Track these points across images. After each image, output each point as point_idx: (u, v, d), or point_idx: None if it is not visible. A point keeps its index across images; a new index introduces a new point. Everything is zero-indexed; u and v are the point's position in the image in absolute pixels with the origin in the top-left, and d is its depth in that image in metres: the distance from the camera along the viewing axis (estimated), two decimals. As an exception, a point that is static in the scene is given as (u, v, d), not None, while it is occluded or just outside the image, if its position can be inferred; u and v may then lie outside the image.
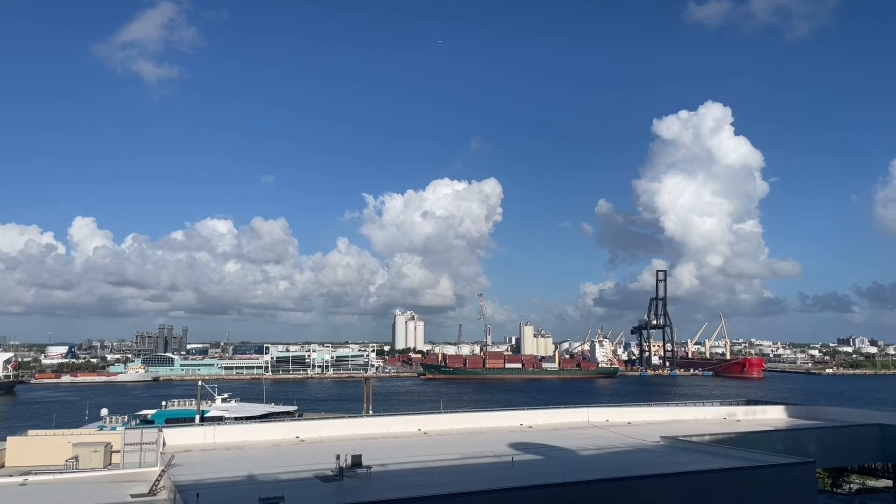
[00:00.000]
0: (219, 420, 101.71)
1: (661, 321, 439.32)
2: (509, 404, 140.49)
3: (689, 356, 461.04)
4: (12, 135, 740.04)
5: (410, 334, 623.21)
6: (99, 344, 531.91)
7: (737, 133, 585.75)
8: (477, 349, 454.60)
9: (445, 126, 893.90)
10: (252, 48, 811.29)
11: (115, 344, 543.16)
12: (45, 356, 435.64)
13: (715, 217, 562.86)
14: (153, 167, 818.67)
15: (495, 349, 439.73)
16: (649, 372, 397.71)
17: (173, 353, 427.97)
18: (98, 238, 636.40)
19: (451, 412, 72.48)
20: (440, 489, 32.62)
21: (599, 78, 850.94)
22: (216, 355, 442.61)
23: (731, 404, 75.76)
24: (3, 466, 77.71)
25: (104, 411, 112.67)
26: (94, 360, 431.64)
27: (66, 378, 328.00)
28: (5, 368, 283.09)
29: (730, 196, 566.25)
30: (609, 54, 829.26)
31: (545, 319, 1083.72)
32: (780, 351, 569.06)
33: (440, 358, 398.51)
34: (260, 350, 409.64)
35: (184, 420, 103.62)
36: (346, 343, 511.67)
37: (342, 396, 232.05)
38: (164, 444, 45.91)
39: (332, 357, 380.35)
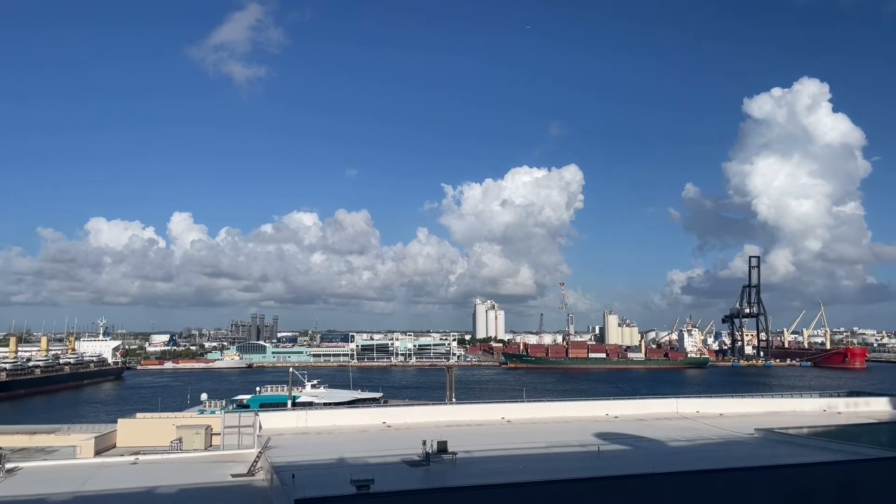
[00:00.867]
0: (309, 405, 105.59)
1: (755, 309, 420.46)
2: (594, 394, 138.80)
3: (786, 346, 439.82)
4: (114, 136, 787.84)
5: (491, 323, 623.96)
6: (197, 332, 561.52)
7: (835, 110, 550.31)
8: (559, 338, 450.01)
9: (524, 114, 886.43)
10: (334, 47, 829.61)
11: (211, 332, 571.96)
12: (149, 344, 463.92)
13: (812, 199, 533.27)
14: (243, 163, 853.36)
15: (578, 339, 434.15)
16: (742, 362, 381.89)
17: (265, 341, 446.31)
18: (194, 232, 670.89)
19: (534, 401, 72.44)
20: (526, 476, 32.77)
21: (686, 56, 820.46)
22: (305, 343, 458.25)
23: (831, 396, 71.98)
24: (115, 446, 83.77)
25: (204, 396, 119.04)
26: (193, 348, 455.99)
27: (168, 364, 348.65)
28: (114, 355, 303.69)
29: (828, 177, 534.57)
30: (695, 31, 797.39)
31: (630, 308, 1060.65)
32: (886, 340, 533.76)
33: (522, 347, 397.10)
34: (345, 338, 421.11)
35: (276, 405, 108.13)
36: (428, 332, 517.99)
37: (425, 384, 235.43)
38: (260, 427, 48.18)
39: (415, 345, 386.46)
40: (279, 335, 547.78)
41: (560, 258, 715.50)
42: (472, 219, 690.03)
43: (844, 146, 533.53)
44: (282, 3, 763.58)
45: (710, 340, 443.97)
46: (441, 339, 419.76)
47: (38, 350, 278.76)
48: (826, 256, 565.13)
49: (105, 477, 38.35)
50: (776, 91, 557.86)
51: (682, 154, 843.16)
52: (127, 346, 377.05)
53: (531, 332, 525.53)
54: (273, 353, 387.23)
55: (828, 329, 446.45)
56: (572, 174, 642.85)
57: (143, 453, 50.41)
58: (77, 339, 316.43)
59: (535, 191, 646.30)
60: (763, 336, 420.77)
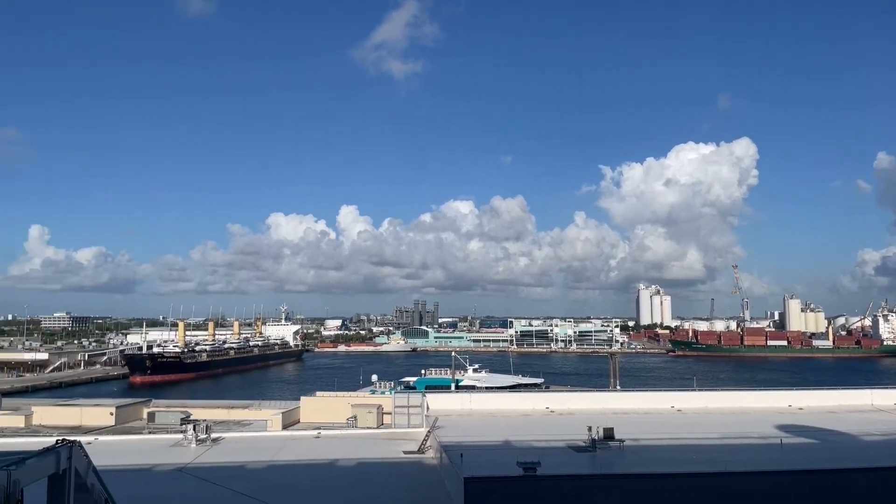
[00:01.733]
0: (471, 388, 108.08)
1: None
2: (773, 384, 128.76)
3: None
4: (288, 133, 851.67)
5: (656, 309, 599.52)
6: (365, 317, 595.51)
7: None
8: (732, 325, 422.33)
9: (687, 86, 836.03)
10: (487, 37, 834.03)
11: (378, 317, 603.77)
12: (324, 328, 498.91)
13: None
14: (403, 156, 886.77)
15: (754, 325, 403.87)
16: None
17: (427, 326, 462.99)
18: (360, 223, 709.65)
19: (707, 390, 68.72)
20: (700, 467, 31.26)
21: (870, 3, 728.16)
22: (464, 328, 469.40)
23: None
24: (299, 422, 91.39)
25: (374, 377, 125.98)
26: (362, 332, 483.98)
27: (341, 347, 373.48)
28: (295, 339, 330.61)
29: None
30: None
31: (814, 292, 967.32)
32: None
33: (690, 334, 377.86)
34: (504, 324, 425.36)
35: (440, 387, 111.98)
36: (588, 318, 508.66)
37: (587, 371, 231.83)
38: (427, 408, 50.11)
39: (575, 332, 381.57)
40: (440, 320, 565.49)
41: (732, 239, 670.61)
42: (632, 200, 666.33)
43: None
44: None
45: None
46: (602, 325, 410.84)
47: (231, 333, 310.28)
48: None
49: (293, 448, 41.94)
50: None
51: (872, 119, 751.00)
52: (305, 330, 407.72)
53: (700, 319, 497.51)
54: (435, 337, 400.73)
55: None
56: (744, 148, 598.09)
57: (324, 429, 54.29)
58: (263, 323, 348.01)
59: (703, 168, 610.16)
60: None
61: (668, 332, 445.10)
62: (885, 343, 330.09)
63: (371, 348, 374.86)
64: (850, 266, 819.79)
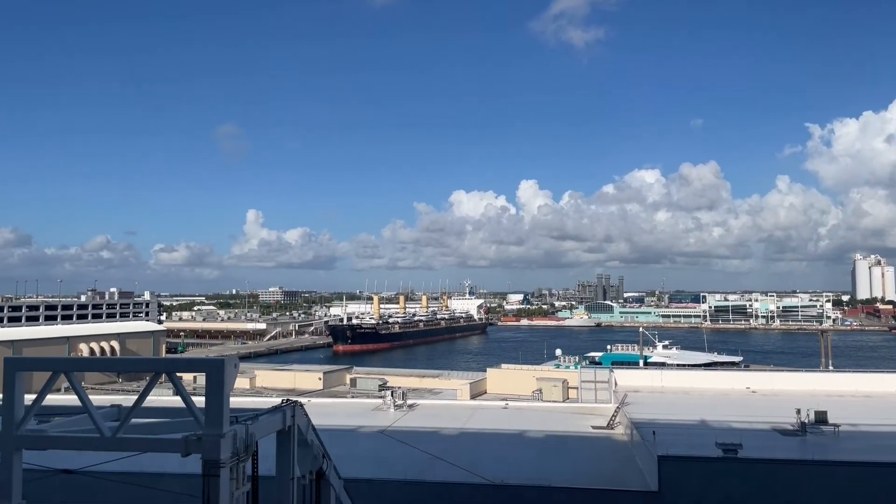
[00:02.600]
0: (661, 366, 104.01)
1: None
2: None
3: None
4: (464, 110, 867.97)
5: (876, 282, 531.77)
6: (547, 292, 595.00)
7: None
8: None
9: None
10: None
11: (560, 292, 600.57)
12: (506, 302, 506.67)
13: None
14: (584, 127, 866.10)
15: None
16: None
17: (611, 301, 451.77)
18: (540, 198, 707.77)
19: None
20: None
21: None
22: (652, 303, 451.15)
23: None
24: (486, 392, 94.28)
25: (558, 352, 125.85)
26: (544, 307, 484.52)
27: (523, 321, 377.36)
28: (478, 312, 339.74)
29: None
30: None
31: None
32: None
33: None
34: (696, 299, 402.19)
35: (627, 363, 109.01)
36: (794, 292, 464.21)
37: (792, 349, 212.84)
38: (615, 383, 49.10)
39: (778, 307, 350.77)
40: (625, 295, 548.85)
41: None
42: (846, 161, 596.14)
43: None
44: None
45: None
46: (810, 299, 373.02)
47: (420, 307, 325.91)
48: None
49: (482, 417, 43.32)
50: None
51: None
52: (488, 305, 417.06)
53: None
54: (620, 312, 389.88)
55: None
56: None
57: (510, 400, 55.35)
58: (449, 297, 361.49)
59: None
60: None
61: (890, 307, 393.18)
62: None
63: (554, 323, 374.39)
64: None
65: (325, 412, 42.04)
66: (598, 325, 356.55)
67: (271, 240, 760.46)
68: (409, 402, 47.53)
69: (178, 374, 12.54)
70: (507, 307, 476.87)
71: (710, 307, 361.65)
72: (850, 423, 35.04)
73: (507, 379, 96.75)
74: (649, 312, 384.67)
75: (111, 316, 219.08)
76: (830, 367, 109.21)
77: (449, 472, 28.25)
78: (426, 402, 52.03)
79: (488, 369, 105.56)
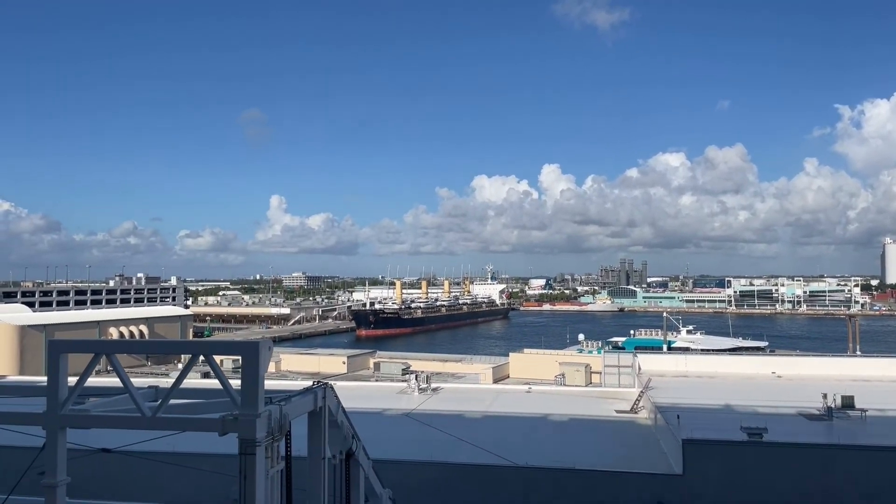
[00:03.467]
0: (685, 350, 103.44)
1: None
2: None
3: None
4: (487, 91, 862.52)
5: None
6: (570, 277, 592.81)
7: None
8: None
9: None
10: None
11: (582, 277, 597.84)
12: (528, 287, 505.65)
13: None
14: (606, 112, 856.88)
15: None
16: None
17: (635, 286, 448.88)
18: (563, 182, 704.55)
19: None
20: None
21: None
22: (676, 288, 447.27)
23: None
24: (508, 377, 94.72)
25: (581, 336, 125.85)
26: (566, 292, 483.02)
27: (546, 307, 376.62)
28: (500, 297, 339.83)
29: None
30: None
31: None
32: None
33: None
34: (721, 283, 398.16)
35: (651, 348, 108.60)
36: (821, 276, 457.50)
37: (819, 335, 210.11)
38: (639, 368, 49.08)
39: (805, 292, 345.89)
40: (649, 280, 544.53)
41: None
42: (877, 143, 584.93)
43: None
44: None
45: None
46: (838, 284, 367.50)
47: (442, 292, 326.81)
48: None
49: (505, 401, 43.64)
50: None
51: None
52: (510, 290, 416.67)
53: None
54: (644, 297, 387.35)
55: None
56: None
57: (532, 384, 55.57)
58: (471, 282, 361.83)
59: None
60: None
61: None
62: None
63: (576, 308, 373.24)
64: None
65: (351, 395, 42.59)
66: (622, 309, 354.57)
67: (294, 225, 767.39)
68: (433, 385, 47.98)
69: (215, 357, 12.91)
70: (530, 292, 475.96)
71: (735, 292, 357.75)
72: (877, 408, 34.71)
73: (530, 363, 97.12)
74: (673, 297, 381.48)
75: (139, 301, 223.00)
76: (858, 353, 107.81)
77: (473, 454, 28.62)
78: (450, 385, 52.44)
79: (511, 354, 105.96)
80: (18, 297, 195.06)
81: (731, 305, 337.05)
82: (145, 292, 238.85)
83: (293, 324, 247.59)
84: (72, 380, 12.72)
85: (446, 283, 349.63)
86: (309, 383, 15.01)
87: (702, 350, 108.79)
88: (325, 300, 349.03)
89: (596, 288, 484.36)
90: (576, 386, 70.82)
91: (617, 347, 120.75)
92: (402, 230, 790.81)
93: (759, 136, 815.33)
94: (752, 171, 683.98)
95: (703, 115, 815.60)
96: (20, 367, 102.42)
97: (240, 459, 11.49)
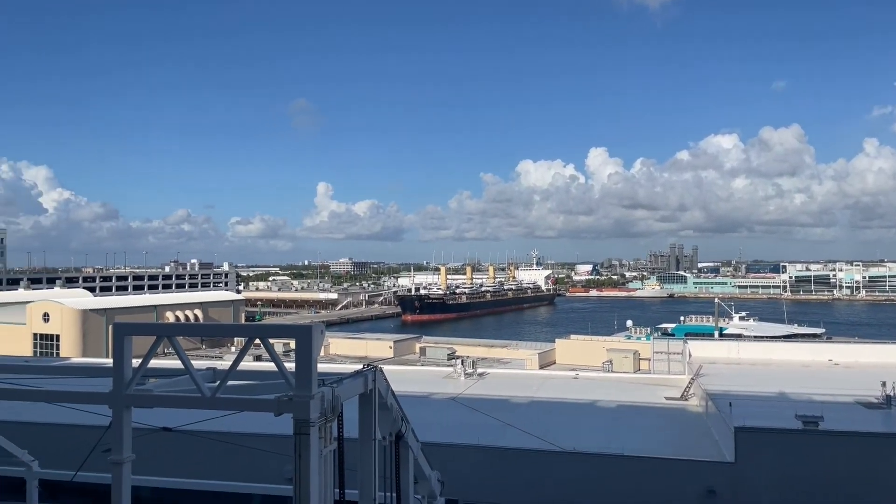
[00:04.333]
0: (738, 337, 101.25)
1: None
2: None
3: None
4: (532, 73, 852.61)
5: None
6: (617, 262, 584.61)
7: None
8: None
9: None
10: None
11: (630, 262, 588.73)
12: (575, 273, 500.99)
13: None
14: (656, 93, 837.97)
15: None
16: None
17: (685, 272, 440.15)
18: (610, 166, 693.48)
19: None
20: None
21: None
22: (728, 274, 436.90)
23: None
24: (555, 363, 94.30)
25: (629, 323, 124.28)
26: (614, 277, 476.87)
27: (593, 292, 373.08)
28: (546, 283, 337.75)
29: None
30: None
31: None
32: None
33: None
34: (775, 269, 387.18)
35: (701, 335, 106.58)
36: (882, 261, 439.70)
37: (879, 322, 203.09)
38: (689, 355, 48.30)
39: (864, 277, 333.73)
40: (699, 265, 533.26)
41: None
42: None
43: None
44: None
45: None
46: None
47: (487, 277, 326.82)
48: None
49: (551, 387, 43.54)
50: None
51: None
52: (556, 275, 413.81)
53: None
54: (694, 283, 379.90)
55: None
56: None
57: (580, 371, 55.25)
58: (516, 268, 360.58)
59: None
60: None
61: None
62: None
63: (624, 294, 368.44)
64: None
65: (398, 379, 43.04)
66: (671, 295, 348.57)
67: (341, 212, 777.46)
68: (479, 371, 48.21)
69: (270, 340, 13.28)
70: (576, 278, 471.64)
71: (790, 277, 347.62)
72: (941, 398, 33.45)
73: (577, 350, 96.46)
74: (725, 283, 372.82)
75: (193, 286, 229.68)
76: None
77: (520, 439, 28.73)
78: (495, 371, 52.60)
79: (557, 340, 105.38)
80: (80, 282, 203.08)
81: (785, 291, 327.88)
82: (199, 277, 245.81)
83: (340, 309, 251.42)
84: (134, 361, 13.28)
85: (491, 268, 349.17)
86: (357, 367, 15.30)
87: (755, 337, 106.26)
88: (372, 286, 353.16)
89: (644, 273, 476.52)
90: (624, 373, 70.16)
91: (666, 334, 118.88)
92: (447, 216, 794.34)
93: (817, 116, 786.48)
94: (808, 153, 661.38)
95: (757, 96, 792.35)
96: (83, 350, 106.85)
97: (294, 439, 11.83)
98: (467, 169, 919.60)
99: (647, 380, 48.23)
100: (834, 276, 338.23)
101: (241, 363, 13.40)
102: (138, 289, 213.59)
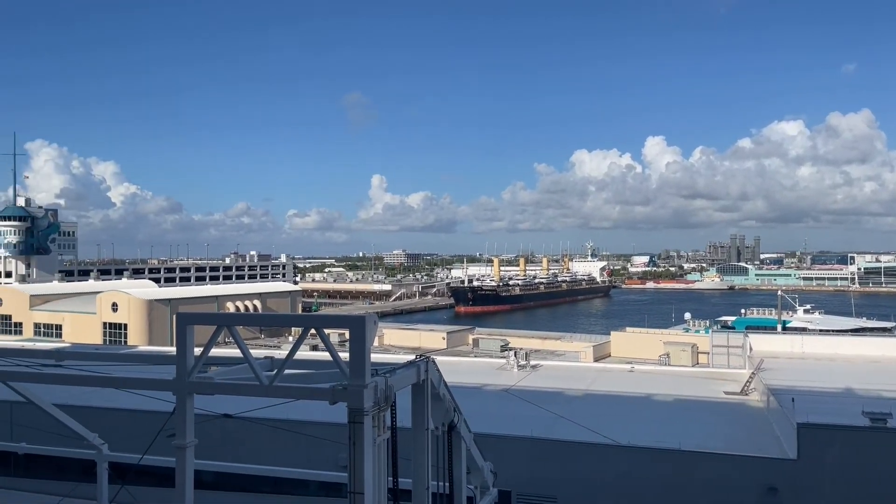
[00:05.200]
0: (802, 331, 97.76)
1: None
2: None
3: None
4: (583, 60, 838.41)
5: None
6: (675, 254, 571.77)
7: None
8: None
9: None
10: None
11: (689, 254, 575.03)
12: (631, 265, 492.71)
13: None
14: (718, 79, 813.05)
15: None
16: None
17: (746, 263, 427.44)
18: (668, 154, 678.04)
19: None
20: None
21: None
22: (792, 265, 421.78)
23: None
24: (609, 355, 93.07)
25: (687, 315, 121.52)
26: (671, 269, 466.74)
27: (649, 284, 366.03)
28: (601, 275, 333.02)
29: None
30: None
31: None
32: None
33: None
34: (843, 260, 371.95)
35: (763, 328, 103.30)
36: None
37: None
38: (750, 349, 46.95)
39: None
40: (761, 256, 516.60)
41: None
42: None
43: None
44: None
45: None
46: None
47: (540, 269, 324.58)
48: None
49: (606, 380, 43.00)
50: None
51: None
52: (611, 267, 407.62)
53: None
54: (756, 275, 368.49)
55: None
56: None
57: (636, 364, 54.34)
58: (570, 259, 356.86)
59: None
60: None
61: None
62: None
63: (682, 286, 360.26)
64: None
65: (451, 370, 43.24)
66: (732, 288, 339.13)
67: (395, 204, 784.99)
68: (532, 362, 47.97)
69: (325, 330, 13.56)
70: (632, 269, 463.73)
71: (859, 269, 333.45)
72: None
73: (633, 342, 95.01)
74: (789, 275, 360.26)
75: (252, 277, 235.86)
76: None
77: (574, 432, 28.49)
78: (549, 363, 52.19)
79: (612, 332, 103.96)
80: (146, 273, 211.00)
81: (854, 283, 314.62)
82: (258, 269, 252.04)
83: (394, 300, 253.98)
84: (196, 350, 13.76)
85: (545, 260, 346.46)
86: (411, 357, 15.47)
87: (820, 331, 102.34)
88: (425, 277, 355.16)
89: (704, 265, 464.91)
90: (681, 366, 68.71)
91: (726, 327, 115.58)
92: (500, 207, 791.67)
93: (889, 100, 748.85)
94: (880, 139, 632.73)
95: (825, 80, 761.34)
96: (149, 338, 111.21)
97: (349, 427, 12.07)
98: (521, 159, 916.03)
99: (705, 374, 47.08)
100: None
101: (298, 353, 13.73)
102: (200, 280, 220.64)
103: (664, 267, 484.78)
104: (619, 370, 49.08)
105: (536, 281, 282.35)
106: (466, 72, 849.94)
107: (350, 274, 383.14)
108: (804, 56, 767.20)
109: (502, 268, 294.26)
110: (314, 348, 53.94)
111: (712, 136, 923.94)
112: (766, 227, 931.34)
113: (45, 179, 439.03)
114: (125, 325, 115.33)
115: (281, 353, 17.06)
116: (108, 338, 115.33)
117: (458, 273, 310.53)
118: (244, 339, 13.89)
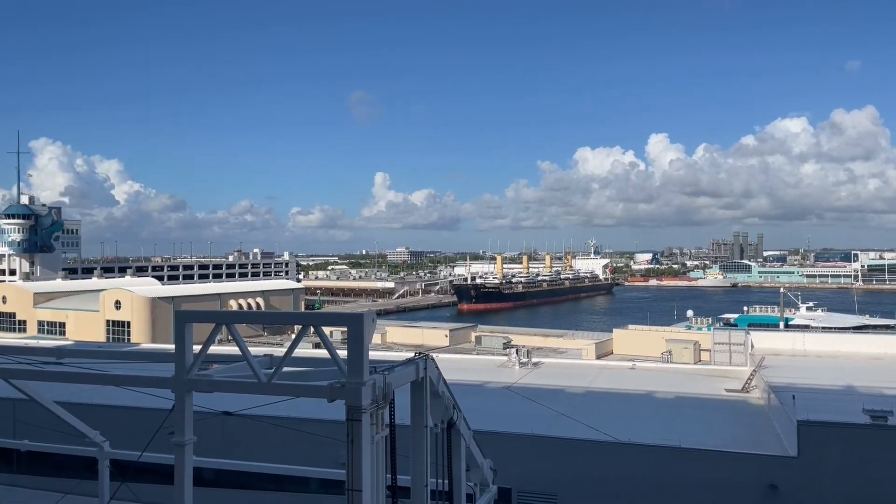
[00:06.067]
0: (805, 328, 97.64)
1: None
2: None
3: None
4: (582, 59, 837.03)
5: None
6: (678, 251, 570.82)
7: None
8: None
9: None
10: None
11: (692, 251, 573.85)
12: (634, 262, 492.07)
13: None
14: (718, 77, 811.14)
15: None
16: None
17: (749, 260, 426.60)
18: (672, 152, 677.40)
19: None
20: None
21: None
22: (795, 262, 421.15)
23: None
24: (612, 353, 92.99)
25: (690, 313, 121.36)
26: (674, 266, 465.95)
27: (652, 282, 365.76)
28: (604, 272, 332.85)
29: None
30: None
31: None
32: None
33: None
34: (846, 257, 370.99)
35: (765, 326, 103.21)
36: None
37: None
38: (752, 346, 46.91)
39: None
40: (765, 254, 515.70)
41: None
42: None
43: None
44: None
45: None
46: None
47: (543, 267, 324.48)
48: None
49: (608, 378, 43.00)
50: None
51: None
52: (614, 264, 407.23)
53: None
54: (759, 272, 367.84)
55: None
56: None
57: (638, 361, 54.30)
58: (573, 257, 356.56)
59: None
60: None
61: None
62: None
63: (685, 283, 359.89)
64: None
65: (453, 367, 43.43)
66: (734, 285, 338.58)
67: (398, 202, 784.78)
68: (534, 360, 48.00)
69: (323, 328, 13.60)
70: (635, 267, 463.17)
71: (862, 266, 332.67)
72: None
73: (635, 340, 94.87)
74: (792, 272, 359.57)
75: (255, 274, 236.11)
76: None
77: (575, 429, 28.51)
78: (551, 360, 52.21)
79: (614, 330, 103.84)
80: (149, 271, 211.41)
81: (857, 281, 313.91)
82: (261, 267, 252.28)
83: (397, 297, 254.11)
84: (195, 347, 13.81)
85: (548, 257, 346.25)
86: (412, 355, 15.49)
87: (822, 328, 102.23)
88: (428, 275, 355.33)
89: (706, 262, 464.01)
90: (683, 364, 68.64)
91: (728, 324, 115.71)
92: (503, 205, 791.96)
93: (893, 97, 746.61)
94: (884, 136, 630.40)
95: (829, 77, 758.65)
96: (152, 335, 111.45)
97: (347, 425, 12.11)
98: (524, 157, 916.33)
99: (707, 371, 47.04)
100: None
101: (298, 350, 13.76)
102: (203, 277, 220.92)
103: (667, 264, 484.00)
104: (620, 368, 49.05)
105: (539, 278, 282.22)
106: (470, 71, 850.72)
107: (353, 272, 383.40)
108: (808, 53, 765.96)
109: (505, 265, 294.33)
110: (317, 346, 54.02)
111: (716, 133, 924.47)
112: (769, 224, 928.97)
113: (48, 177, 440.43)
114: (128, 323, 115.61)
115: (282, 351, 17.12)
116: (111, 335, 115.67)
117: (461, 270, 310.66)
118: (248, 336, 13.94)
